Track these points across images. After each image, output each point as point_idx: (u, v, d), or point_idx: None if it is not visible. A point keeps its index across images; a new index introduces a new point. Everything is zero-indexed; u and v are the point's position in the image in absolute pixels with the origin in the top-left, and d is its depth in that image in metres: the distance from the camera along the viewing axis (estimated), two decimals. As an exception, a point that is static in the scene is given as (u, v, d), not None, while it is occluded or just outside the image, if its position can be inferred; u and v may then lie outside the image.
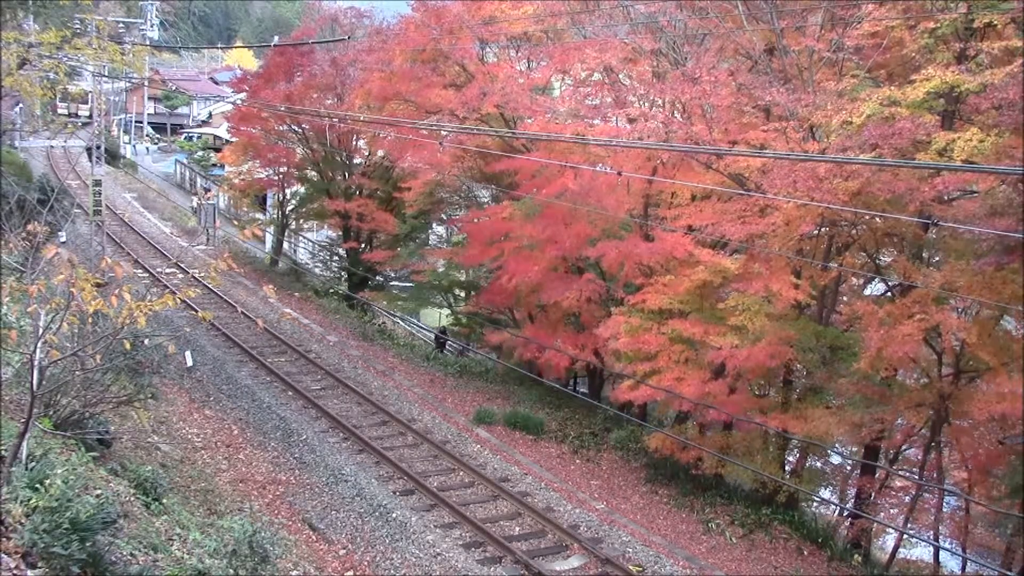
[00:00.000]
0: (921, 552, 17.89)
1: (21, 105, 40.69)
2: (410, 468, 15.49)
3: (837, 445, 17.40)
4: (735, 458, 15.63)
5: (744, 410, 14.89)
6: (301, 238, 35.21)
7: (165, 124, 71.33)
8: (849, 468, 18.40)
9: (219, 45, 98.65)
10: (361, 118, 22.85)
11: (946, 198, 13.25)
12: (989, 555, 16.16)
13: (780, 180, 12.91)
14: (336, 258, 32.20)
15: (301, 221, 33.41)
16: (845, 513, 17.19)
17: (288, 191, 31.86)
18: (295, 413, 17.81)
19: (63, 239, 27.01)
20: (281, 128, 28.40)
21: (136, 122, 64.74)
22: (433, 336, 27.58)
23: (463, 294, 27.64)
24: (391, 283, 30.72)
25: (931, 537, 15.65)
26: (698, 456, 15.36)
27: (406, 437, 17.27)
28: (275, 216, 33.40)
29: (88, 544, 6.15)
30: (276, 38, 52.31)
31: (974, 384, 14.57)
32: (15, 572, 5.76)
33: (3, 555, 5.80)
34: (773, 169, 13.31)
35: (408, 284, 29.37)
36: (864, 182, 12.54)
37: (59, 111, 50.06)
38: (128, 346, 8.96)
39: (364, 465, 15.72)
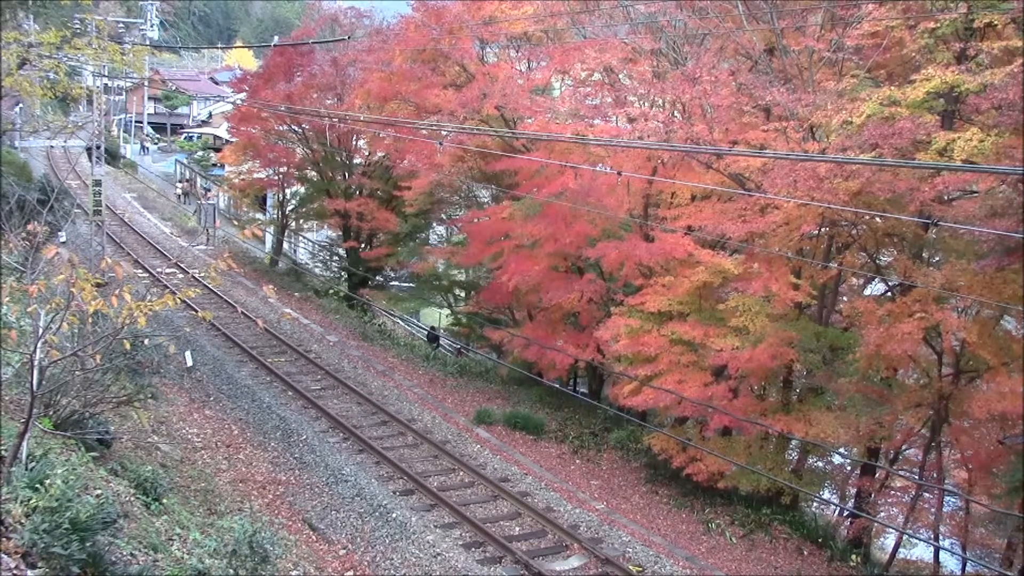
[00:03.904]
0: (921, 552, 17.89)
1: (21, 105, 40.67)
2: (410, 468, 15.48)
3: (838, 446, 17.39)
4: (737, 463, 15.60)
5: (746, 413, 14.87)
6: (301, 238, 35.22)
7: (165, 124, 71.36)
8: (849, 468, 18.39)
9: (219, 45, 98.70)
10: (361, 118, 22.85)
11: (946, 198, 13.25)
12: (989, 555, 16.15)
13: (780, 180, 12.91)
14: (336, 258, 32.22)
15: (301, 221, 33.40)
16: (845, 513, 17.19)
17: (288, 191, 31.86)
18: (295, 413, 17.81)
19: (63, 239, 27.00)
20: (281, 128, 28.39)
21: (136, 122, 64.77)
22: (426, 333, 28.41)
23: (463, 294, 27.68)
24: (391, 283, 30.76)
25: (931, 537, 15.64)
26: (711, 471, 15.28)
27: (406, 437, 17.27)
28: (275, 216, 33.39)
29: (88, 544, 6.15)
30: (276, 38, 52.29)
31: (974, 384, 14.57)
32: (15, 572, 5.75)
33: (3, 555, 5.80)
34: (773, 169, 13.31)
35: (408, 284, 29.43)
36: (864, 182, 12.54)
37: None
38: (128, 346, 8.96)
39: (364, 465, 15.72)
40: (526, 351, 19.65)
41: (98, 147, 28.77)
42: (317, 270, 32.95)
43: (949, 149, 11.30)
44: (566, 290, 18.07)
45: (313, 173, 29.65)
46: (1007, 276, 12.60)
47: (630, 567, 13.01)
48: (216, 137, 52.20)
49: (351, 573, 12.39)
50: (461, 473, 15.82)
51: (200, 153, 55.16)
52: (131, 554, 7.00)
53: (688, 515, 15.46)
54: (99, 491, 7.63)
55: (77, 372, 9.70)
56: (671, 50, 16.94)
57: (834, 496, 18.89)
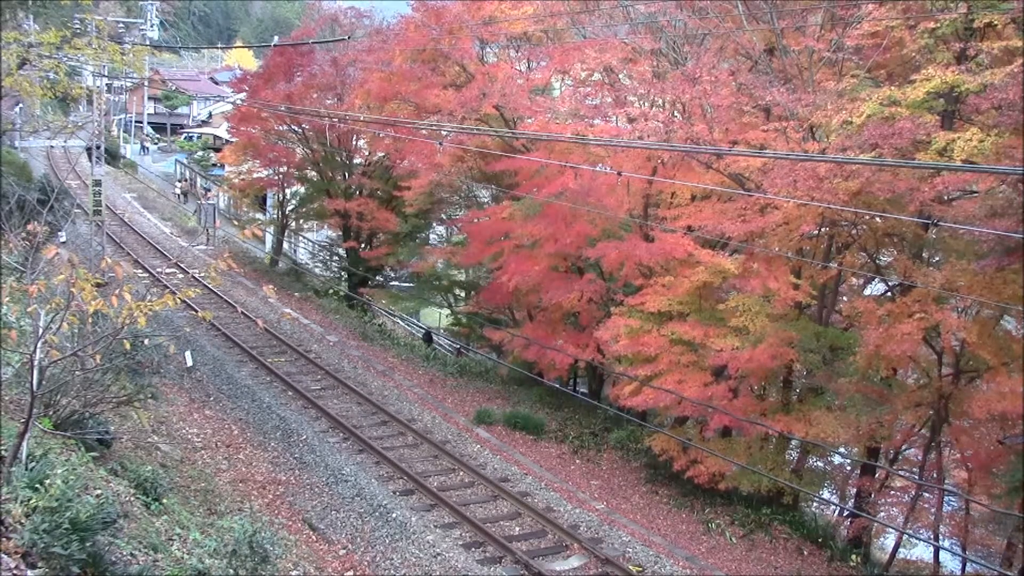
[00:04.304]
0: (921, 552, 17.89)
1: (21, 105, 40.66)
2: (410, 468, 15.48)
3: (839, 446, 17.39)
4: (738, 463, 15.59)
5: (746, 413, 14.87)
6: (301, 238, 35.22)
7: (165, 124, 71.37)
8: (849, 468, 18.40)
9: (219, 45, 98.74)
10: (361, 118, 22.85)
11: (946, 198, 13.25)
12: (989, 555, 16.15)
13: (780, 180, 12.90)
14: (336, 258, 32.23)
15: (301, 221, 33.43)
16: (845, 513, 17.19)
17: (288, 191, 31.87)
18: (295, 413, 17.81)
19: (63, 239, 27.00)
20: (281, 128, 28.40)
21: (136, 122, 64.79)
22: (423, 332, 28.97)
23: (463, 294, 27.69)
24: (391, 283, 30.77)
25: (931, 537, 15.64)
26: (711, 472, 15.27)
27: (406, 437, 17.27)
28: (275, 216, 33.41)
29: (88, 544, 6.15)
30: (276, 38, 52.31)
31: (974, 384, 14.57)
32: (15, 572, 5.75)
33: (3, 555, 5.80)
34: (773, 169, 13.31)
35: (408, 284, 29.46)
36: (864, 182, 12.53)
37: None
38: (128, 346, 8.96)
39: (364, 465, 15.72)
40: (526, 351, 19.65)
41: (98, 147, 28.76)
42: (317, 270, 32.95)
43: (949, 149, 11.30)
44: (566, 290, 18.06)
45: (313, 173, 29.65)
46: (1007, 276, 12.59)
47: (630, 567, 13.01)
48: (216, 137, 52.24)
49: (351, 573, 12.38)
50: (461, 473, 15.82)
51: (200, 153, 55.17)
52: (131, 554, 7.00)
53: (688, 515, 15.46)
54: (99, 491, 7.63)
55: (77, 372, 9.70)
56: (671, 50, 16.94)
57: (834, 496, 18.88)
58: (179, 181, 50.93)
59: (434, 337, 28.41)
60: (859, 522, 15.71)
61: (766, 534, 15.05)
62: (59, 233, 25.78)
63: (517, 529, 14.00)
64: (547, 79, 20.76)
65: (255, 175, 31.34)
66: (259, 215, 36.72)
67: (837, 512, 17.85)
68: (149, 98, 68.38)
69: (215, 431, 16.75)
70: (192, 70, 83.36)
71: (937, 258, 15.36)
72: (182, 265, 29.24)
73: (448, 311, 28.71)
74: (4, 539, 5.98)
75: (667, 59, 17.08)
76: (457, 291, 27.93)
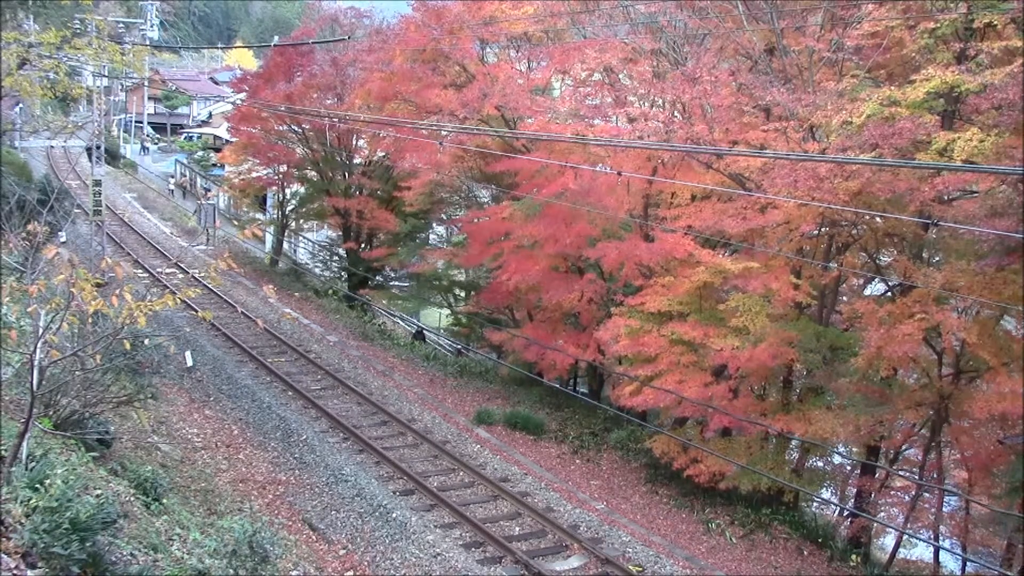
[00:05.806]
0: (921, 552, 17.89)
1: (21, 105, 40.70)
2: (410, 468, 15.49)
3: (838, 445, 17.39)
4: (738, 463, 15.59)
5: (746, 413, 14.87)
6: (301, 238, 35.23)
7: (165, 124, 71.37)
8: (849, 468, 18.40)
9: (219, 45, 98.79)
10: (361, 118, 22.86)
11: (946, 198, 13.25)
12: (989, 555, 16.15)
13: (780, 180, 12.90)
14: (336, 258, 32.23)
15: (301, 221, 33.44)
16: (845, 513, 17.19)
17: (288, 191, 31.87)
18: (295, 413, 17.81)
19: (63, 239, 27.00)
20: (281, 128, 28.40)
21: (136, 122, 64.80)
22: (416, 330, 29.27)
23: (463, 294, 27.71)
24: (391, 283, 30.79)
25: (931, 537, 15.64)
26: (712, 472, 15.27)
27: (406, 437, 17.27)
28: (275, 216, 33.41)
29: (88, 544, 6.15)
30: (276, 38, 52.31)
31: (974, 384, 14.57)
32: (15, 572, 5.75)
33: (3, 555, 5.80)
34: (773, 169, 13.31)
35: (408, 284, 29.51)
36: (864, 182, 12.53)
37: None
38: (128, 346, 8.96)
39: (364, 465, 15.72)
40: (526, 351, 19.65)
41: (98, 147, 28.76)
42: (317, 270, 32.96)
43: (949, 149, 11.29)
44: (566, 290, 18.07)
45: (313, 173, 29.66)
46: (1007, 276, 12.59)
47: (630, 567, 13.01)
48: (216, 137, 52.24)
49: (351, 573, 12.39)
50: (461, 473, 15.82)
51: (200, 153, 55.17)
52: (131, 554, 7.00)
53: (688, 515, 15.46)
54: (99, 491, 7.63)
55: (77, 372, 9.70)
56: (671, 50, 16.94)
57: (834, 496, 18.88)
58: (171, 177, 51.48)
59: (426, 334, 28.66)
60: (859, 522, 15.71)
61: (766, 534, 15.05)
62: (59, 233, 25.78)
63: (517, 529, 14.00)
64: (547, 79, 20.76)
65: (255, 175, 31.34)
66: (259, 215, 36.71)
67: (837, 512, 17.85)
68: (149, 98, 68.41)
69: (215, 431, 16.75)
70: (192, 70, 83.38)
71: (937, 258, 15.36)
72: (182, 265, 29.24)
73: (448, 311, 28.73)
74: (4, 539, 5.98)
75: (667, 59, 17.08)
76: (457, 291, 27.94)
